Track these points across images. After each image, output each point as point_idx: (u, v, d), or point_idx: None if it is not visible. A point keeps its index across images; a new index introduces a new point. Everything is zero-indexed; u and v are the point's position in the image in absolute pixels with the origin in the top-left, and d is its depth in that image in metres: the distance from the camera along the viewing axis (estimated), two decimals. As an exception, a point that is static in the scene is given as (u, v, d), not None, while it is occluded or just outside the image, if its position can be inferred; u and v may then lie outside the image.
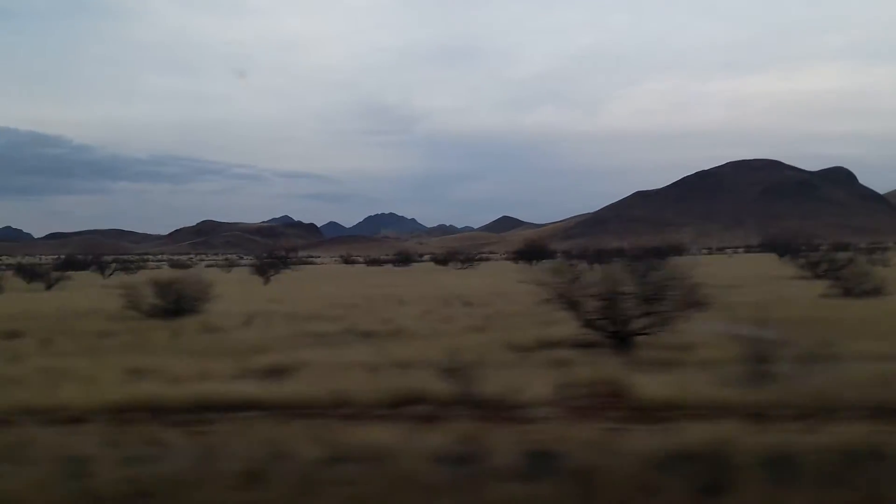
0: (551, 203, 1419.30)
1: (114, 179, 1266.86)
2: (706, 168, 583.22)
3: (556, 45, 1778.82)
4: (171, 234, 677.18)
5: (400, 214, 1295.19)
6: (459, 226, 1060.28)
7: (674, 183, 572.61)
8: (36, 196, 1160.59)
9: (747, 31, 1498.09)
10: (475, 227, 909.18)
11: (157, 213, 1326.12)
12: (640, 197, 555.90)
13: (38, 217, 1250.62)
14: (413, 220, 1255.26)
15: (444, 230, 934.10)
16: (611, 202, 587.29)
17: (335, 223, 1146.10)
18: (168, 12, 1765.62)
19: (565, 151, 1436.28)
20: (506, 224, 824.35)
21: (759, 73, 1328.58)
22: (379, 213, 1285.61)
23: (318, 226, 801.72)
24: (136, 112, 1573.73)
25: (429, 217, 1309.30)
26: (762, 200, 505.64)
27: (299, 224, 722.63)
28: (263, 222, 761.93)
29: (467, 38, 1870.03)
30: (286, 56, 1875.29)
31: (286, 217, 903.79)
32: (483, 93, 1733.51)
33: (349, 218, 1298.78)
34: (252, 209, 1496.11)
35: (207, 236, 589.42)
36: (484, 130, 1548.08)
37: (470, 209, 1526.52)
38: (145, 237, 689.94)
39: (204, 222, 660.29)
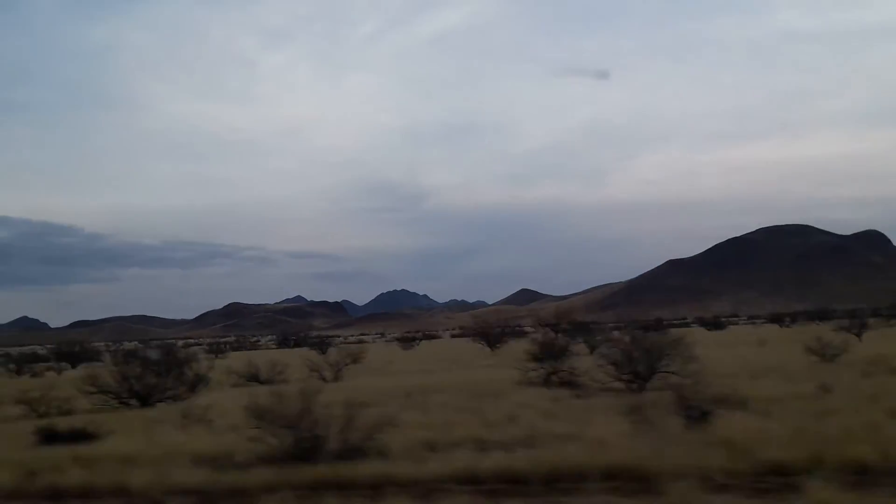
0: (567, 274, 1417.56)
1: (125, 266, 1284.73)
2: (738, 235, 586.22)
3: (555, 120, 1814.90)
4: (198, 317, 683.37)
5: (412, 291, 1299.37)
6: (471, 300, 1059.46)
7: (707, 250, 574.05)
8: (49, 285, 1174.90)
9: (746, 99, 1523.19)
10: (488, 300, 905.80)
11: (169, 297, 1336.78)
12: (674, 265, 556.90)
13: (52, 306, 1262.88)
14: (425, 295, 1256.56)
15: (456, 305, 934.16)
16: (634, 271, 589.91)
17: (349, 302, 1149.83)
18: (173, 100, 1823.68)
19: (573, 223, 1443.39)
20: (525, 297, 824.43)
21: (762, 141, 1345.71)
22: (391, 289, 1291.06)
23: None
24: (145, 199, 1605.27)
25: (440, 292, 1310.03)
26: (798, 266, 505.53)
27: (324, 303, 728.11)
28: (284, 302, 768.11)
29: (469, 116, 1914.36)
30: (292, 139, 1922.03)
31: (300, 297, 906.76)
32: (486, 168, 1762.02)
33: (361, 296, 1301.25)
34: (265, 291, 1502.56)
35: (237, 318, 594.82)
36: (489, 205, 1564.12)
37: (480, 283, 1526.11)
38: (171, 322, 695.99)
39: (230, 305, 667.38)
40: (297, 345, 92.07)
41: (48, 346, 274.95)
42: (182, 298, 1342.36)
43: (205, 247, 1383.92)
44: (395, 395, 21.84)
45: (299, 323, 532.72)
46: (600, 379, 21.60)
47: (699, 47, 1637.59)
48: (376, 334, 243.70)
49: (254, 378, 33.66)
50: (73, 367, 64.52)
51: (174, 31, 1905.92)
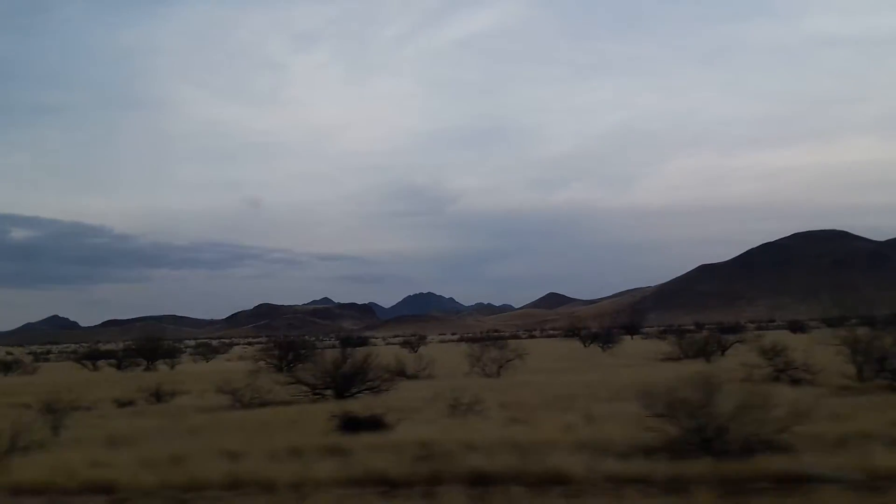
0: (593, 279, 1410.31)
1: (154, 267, 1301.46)
2: (772, 240, 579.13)
3: (584, 124, 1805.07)
4: (228, 317, 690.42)
5: (438, 294, 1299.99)
6: (497, 303, 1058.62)
7: (739, 255, 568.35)
8: (79, 285, 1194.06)
9: (777, 104, 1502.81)
10: (514, 304, 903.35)
11: (198, 298, 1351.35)
12: (706, 270, 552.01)
13: (82, 305, 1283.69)
14: (451, 299, 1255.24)
15: (482, 308, 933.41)
16: (664, 276, 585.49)
17: (376, 304, 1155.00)
18: (202, 103, 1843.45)
19: (600, 227, 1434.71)
20: (553, 301, 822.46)
21: (794, 146, 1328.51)
22: (417, 292, 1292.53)
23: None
24: (174, 200, 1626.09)
25: (466, 296, 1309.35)
26: (834, 272, 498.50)
27: (352, 305, 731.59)
28: (312, 304, 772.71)
29: (496, 120, 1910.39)
30: (319, 142, 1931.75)
31: (327, 299, 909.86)
32: (513, 172, 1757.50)
33: (388, 299, 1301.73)
34: (293, 292, 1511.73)
35: (268, 319, 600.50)
36: (515, 209, 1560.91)
37: (506, 287, 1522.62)
38: (202, 322, 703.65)
39: (261, 305, 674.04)
40: (360, 344, 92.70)
41: (82, 343, 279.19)
42: (210, 299, 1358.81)
43: (233, 248, 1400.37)
44: (598, 390, 22.57)
45: (329, 324, 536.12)
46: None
47: (731, 52, 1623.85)
48: (411, 335, 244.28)
49: (400, 373, 33.18)
50: (151, 363, 65.94)
51: (203, 33, 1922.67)
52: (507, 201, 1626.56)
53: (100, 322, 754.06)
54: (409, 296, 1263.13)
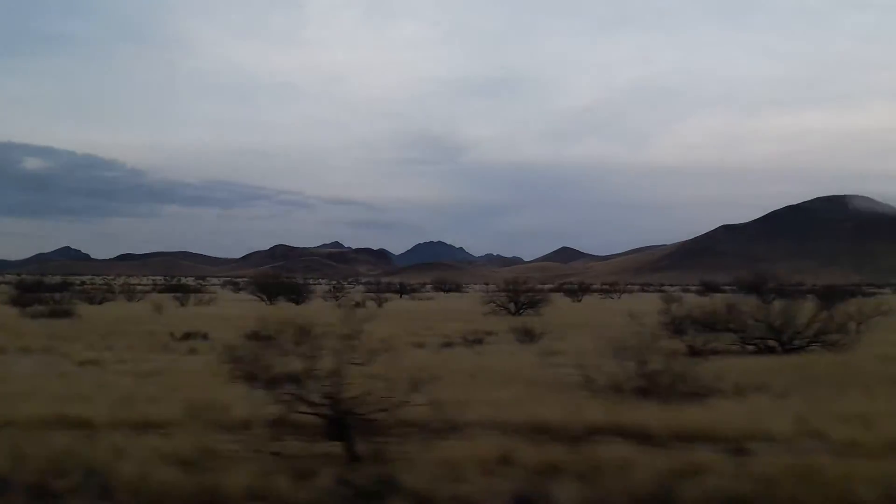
0: (605, 235, 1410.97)
1: (165, 203, 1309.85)
2: (795, 203, 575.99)
3: (602, 78, 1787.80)
4: (244, 257, 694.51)
5: (448, 243, 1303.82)
6: (506, 255, 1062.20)
7: (762, 217, 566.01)
8: (90, 217, 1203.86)
9: (799, 67, 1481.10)
10: (524, 257, 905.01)
11: (208, 236, 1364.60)
12: (727, 231, 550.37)
13: (94, 238, 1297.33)
14: (461, 248, 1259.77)
15: (493, 259, 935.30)
16: (679, 235, 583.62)
17: (385, 250, 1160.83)
18: (219, 40, 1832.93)
19: (613, 184, 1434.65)
20: (566, 255, 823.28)
21: (814, 110, 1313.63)
22: (427, 241, 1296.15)
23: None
24: (186, 138, 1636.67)
25: (476, 247, 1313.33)
26: (855, 237, 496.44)
27: (367, 250, 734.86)
28: (323, 247, 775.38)
29: (513, 70, 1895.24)
30: (333, 85, 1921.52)
31: (337, 243, 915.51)
32: (528, 124, 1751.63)
33: (397, 246, 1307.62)
34: (302, 234, 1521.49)
35: (284, 261, 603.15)
36: (528, 161, 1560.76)
37: (516, 239, 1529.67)
38: (217, 260, 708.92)
39: (276, 246, 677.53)
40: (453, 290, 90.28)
41: (94, 275, 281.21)
42: (220, 238, 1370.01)
43: (244, 188, 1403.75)
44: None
45: (344, 268, 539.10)
46: None
47: (756, 10, 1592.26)
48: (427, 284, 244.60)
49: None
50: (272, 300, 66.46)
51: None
52: (521, 153, 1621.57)
53: (114, 255, 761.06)
54: (420, 244, 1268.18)
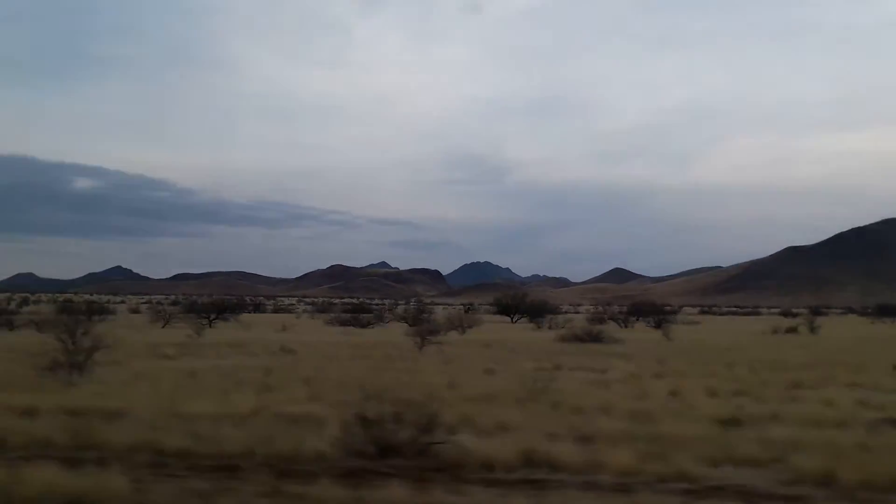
0: (656, 257, 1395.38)
1: (213, 223, 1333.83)
2: (862, 225, 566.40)
3: (646, 99, 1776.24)
4: (300, 277, 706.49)
5: (495, 263, 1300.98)
6: (552, 275, 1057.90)
7: (827, 239, 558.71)
8: (140, 237, 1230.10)
9: (845, 88, 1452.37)
10: (570, 277, 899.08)
11: (258, 256, 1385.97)
12: (792, 252, 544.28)
13: (144, 258, 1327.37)
14: (508, 269, 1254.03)
15: (539, 280, 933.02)
16: (731, 258, 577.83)
17: (439, 271, 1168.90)
18: (268, 63, 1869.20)
19: (660, 205, 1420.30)
20: (619, 276, 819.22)
21: (860, 131, 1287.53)
22: (474, 261, 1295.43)
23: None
24: (234, 158, 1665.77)
25: (522, 267, 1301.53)
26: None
27: (424, 270, 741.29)
28: (369, 267, 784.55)
29: (557, 91, 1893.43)
30: (380, 107, 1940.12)
31: (384, 263, 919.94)
32: (573, 145, 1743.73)
33: (444, 266, 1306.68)
34: (350, 255, 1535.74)
35: (342, 280, 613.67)
36: (573, 182, 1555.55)
37: (562, 260, 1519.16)
38: (274, 280, 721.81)
39: (333, 266, 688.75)
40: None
41: (148, 295, 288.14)
42: (269, 257, 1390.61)
43: (291, 208, 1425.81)
44: None
45: (403, 288, 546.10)
46: None
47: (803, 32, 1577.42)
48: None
49: None
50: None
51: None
52: (566, 174, 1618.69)
53: (164, 275, 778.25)
54: (467, 264, 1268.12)
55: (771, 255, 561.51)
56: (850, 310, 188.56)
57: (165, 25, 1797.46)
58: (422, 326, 41.41)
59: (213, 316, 69.98)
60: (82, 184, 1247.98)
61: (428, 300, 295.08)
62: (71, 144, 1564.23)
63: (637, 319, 71.00)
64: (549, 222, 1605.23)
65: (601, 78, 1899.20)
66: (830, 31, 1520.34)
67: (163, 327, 61.34)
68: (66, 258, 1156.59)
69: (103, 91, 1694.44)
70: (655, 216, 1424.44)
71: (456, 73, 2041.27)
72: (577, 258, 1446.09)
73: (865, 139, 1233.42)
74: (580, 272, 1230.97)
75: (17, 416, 13.23)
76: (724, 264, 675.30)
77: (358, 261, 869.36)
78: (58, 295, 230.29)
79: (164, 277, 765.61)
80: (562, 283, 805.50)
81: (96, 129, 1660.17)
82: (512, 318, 77.67)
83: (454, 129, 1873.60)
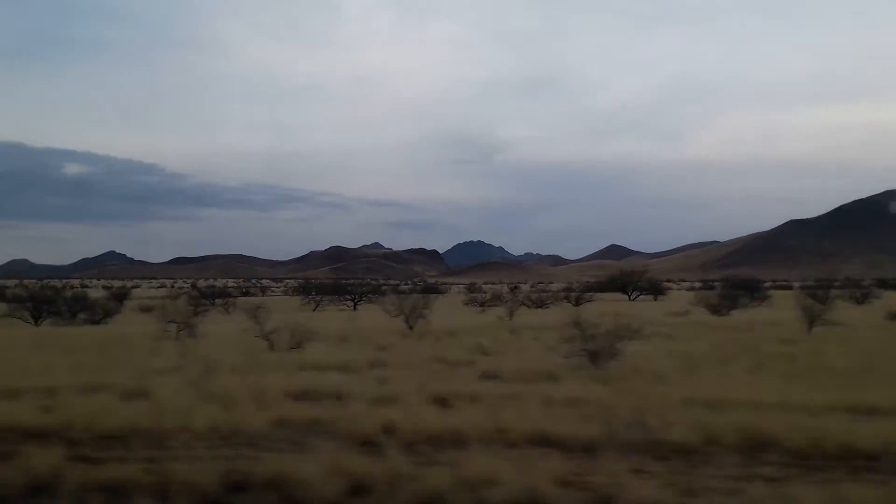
0: (650, 233, 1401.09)
1: (204, 206, 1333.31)
2: (864, 197, 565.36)
3: (638, 76, 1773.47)
4: (299, 259, 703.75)
5: (487, 242, 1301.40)
6: (544, 253, 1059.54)
7: (830, 212, 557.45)
8: (131, 221, 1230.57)
9: (837, 62, 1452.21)
10: (564, 255, 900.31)
11: (251, 238, 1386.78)
12: (795, 226, 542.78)
13: (137, 242, 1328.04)
14: (500, 248, 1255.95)
15: (532, 258, 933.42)
16: (727, 232, 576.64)
17: (437, 251, 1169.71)
18: (255, 43, 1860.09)
19: (653, 181, 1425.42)
20: (616, 253, 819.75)
21: (850, 104, 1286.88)
22: (467, 241, 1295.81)
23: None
24: (223, 141, 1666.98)
25: (515, 246, 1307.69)
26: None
27: (422, 251, 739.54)
28: (364, 248, 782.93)
29: (549, 69, 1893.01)
30: (370, 87, 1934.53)
31: (377, 244, 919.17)
32: (564, 123, 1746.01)
33: (437, 246, 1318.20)
34: (341, 236, 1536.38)
35: (343, 262, 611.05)
36: (565, 160, 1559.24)
37: (554, 238, 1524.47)
38: (272, 262, 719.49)
39: (332, 248, 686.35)
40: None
41: (151, 279, 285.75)
42: (262, 240, 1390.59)
43: (282, 190, 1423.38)
44: None
45: (403, 269, 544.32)
46: None
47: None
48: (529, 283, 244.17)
49: None
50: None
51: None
52: (558, 152, 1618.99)
53: (165, 259, 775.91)
54: (460, 243, 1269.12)
55: (773, 229, 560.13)
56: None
57: (151, 7, 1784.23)
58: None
59: (357, 299, 69.20)
60: (72, 169, 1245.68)
61: (433, 280, 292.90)
62: (59, 129, 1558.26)
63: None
64: (541, 201, 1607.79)
65: (594, 55, 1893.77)
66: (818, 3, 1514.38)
67: (314, 310, 60.32)
68: (59, 243, 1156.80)
69: (90, 75, 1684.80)
70: (648, 193, 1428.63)
71: (448, 53, 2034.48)
72: (569, 236, 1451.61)
73: (858, 112, 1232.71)
74: (573, 250, 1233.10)
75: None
76: (721, 239, 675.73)
77: (351, 242, 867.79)
78: (58, 280, 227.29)
79: (161, 261, 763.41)
80: (556, 260, 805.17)
81: (85, 114, 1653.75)
82: (629, 296, 76.84)
83: (446, 108, 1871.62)
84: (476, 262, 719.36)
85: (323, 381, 14.03)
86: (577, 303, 61.84)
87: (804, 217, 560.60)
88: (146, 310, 49.31)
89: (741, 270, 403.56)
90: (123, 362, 18.34)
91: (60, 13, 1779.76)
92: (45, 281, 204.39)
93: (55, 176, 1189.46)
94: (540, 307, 59.14)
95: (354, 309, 63.68)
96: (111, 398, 12.35)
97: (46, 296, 50.30)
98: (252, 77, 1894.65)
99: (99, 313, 44.76)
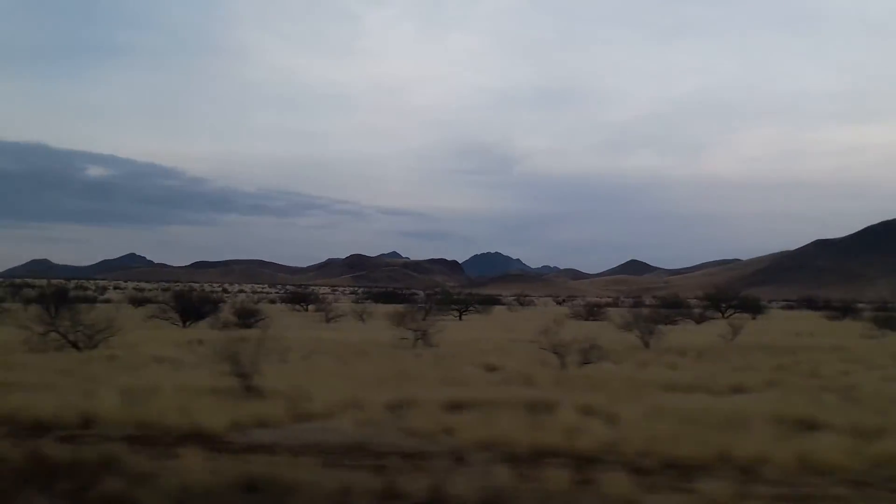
0: (670, 248, 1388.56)
1: (224, 212, 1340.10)
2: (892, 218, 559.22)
3: (656, 89, 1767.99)
4: (320, 266, 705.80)
5: (505, 254, 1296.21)
6: (562, 266, 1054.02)
7: (857, 232, 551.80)
8: (152, 225, 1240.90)
9: (857, 80, 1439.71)
10: (581, 269, 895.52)
11: (271, 244, 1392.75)
12: (821, 246, 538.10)
13: (157, 245, 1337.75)
14: (518, 260, 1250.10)
15: (549, 272, 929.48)
16: (749, 251, 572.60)
17: (457, 262, 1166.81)
18: (277, 51, 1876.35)
19: (672, 196, 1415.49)
20: (635, 268, 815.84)
21: (874, 124, 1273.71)
22: (484, 252, 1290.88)
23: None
24: (243, 147, 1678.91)
25: (532, 258, 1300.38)
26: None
27: (442, 261, 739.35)
28: (380, 257, 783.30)
29: (566, 81, 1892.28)
30: (389, 96, 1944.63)
31: (395, 253, 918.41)
32: (581, 135, 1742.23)
33: (453, 256, 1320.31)
34: (361, 244, 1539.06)
35: (363, 270, 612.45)
36: (583, 173, 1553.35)
37: (571, 251, 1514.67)
38: (293, 269, 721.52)
39: (352, 256, 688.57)
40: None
41: (165, 283, 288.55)
42: (281, 246, 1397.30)
43: (300, 197, 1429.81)
44: None
45: (425, 278, 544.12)
46: None
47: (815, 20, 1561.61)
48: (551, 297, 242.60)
49: None
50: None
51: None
52: (575, 164, 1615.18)
53: (186, 263, 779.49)
54: (477, 255, 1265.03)
55: (799, 248, 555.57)
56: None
57: (176, 14, 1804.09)
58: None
59: (464, 309, 68.79)
60: (94, 172, 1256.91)
61: (455, 292, 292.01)
62: (82, 132, 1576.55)
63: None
64: (558, 213, 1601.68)
65: (612, 68, 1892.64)
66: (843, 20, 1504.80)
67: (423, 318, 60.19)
68: (80, 245, 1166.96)
69: (114, 79, 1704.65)
70: (667, 208, 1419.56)
71: (466, 63, 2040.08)
72: (586, 250, 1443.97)
73: (881, 132, 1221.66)
74: (591, 264, 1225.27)
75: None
76: (743, 257, 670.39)
77: (369, 250, 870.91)
78: (78, 281, 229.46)
79: (182, 265, 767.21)
80: (574, 274, 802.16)
81: (108, 118, 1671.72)
82: (723, 312, 77.30)
83: (463, 118, 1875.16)
84: (492, 274, 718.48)
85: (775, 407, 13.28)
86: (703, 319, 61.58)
87: (830, 237, 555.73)
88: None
89: (767, 289, 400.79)
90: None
91: (84, 17, 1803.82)
92: (74, 281, 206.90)
93: (77, 178, 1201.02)
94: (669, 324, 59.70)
95: (460, 319, 63.11)
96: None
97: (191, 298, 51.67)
98: (273, 84, 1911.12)
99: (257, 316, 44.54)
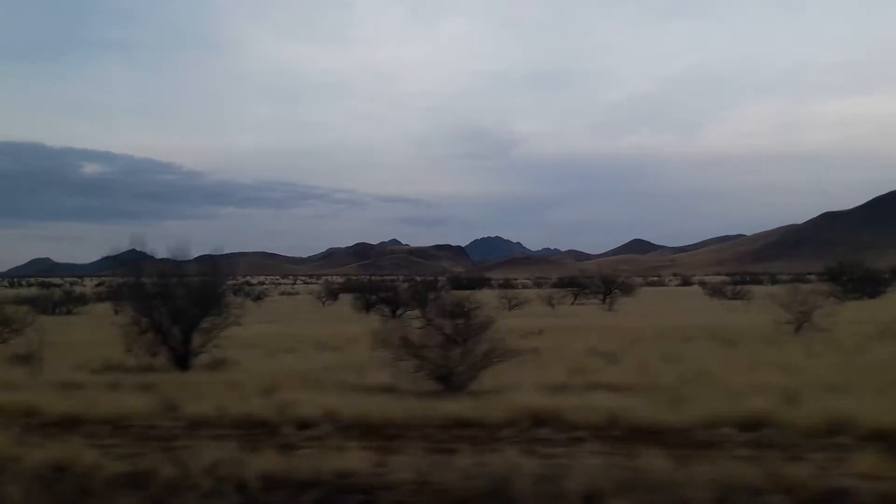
0: (672, 226, 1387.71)
1: (222, 205, 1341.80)
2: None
3: (652, 67, 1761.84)
4: (325, 255, 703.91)
5: (505, 238, 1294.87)
6: (562, 248, 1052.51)
7: (866, 203, 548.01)
8: (150, 220, 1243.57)
9: (852, 53, 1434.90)
10: (583, 249, 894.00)
11: (272, 235, 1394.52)
12: (830, 218, 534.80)
13: (157, 241, 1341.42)
14: (518, 243, 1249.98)
15: (551, 254, 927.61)
16: (750, 226, 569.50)
17: (461, 247, 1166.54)
18: (270, 41, 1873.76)
19: (671, 174, 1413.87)
20: (640, 247, 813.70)
21: (877, 93, 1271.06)
22: (484, 236, 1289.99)
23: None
24: (239, 139, 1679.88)
25: (532, 241, 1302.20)
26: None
27: (447, 247, 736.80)
28: (381, 244, 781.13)
29: (562, 62, 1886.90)
30: (384, 82, 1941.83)
31: (395, 240, 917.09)
32: (578, 116, 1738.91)
33: (454, 241, 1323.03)
34: (361, 232, 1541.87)
35: (370, 258, 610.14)
36: (580, 153, 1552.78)
37: (571, 233, 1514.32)
38: (297, 259, 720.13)
39: (357, 244, 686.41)
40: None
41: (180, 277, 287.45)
42: (281, 237, 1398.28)
43: (297, 187, 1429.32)
44: None
45: (431, 265, 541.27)
46: None
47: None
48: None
49: None
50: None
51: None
52: (573, 145, 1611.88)
53: (191, 258, 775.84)
54: (477, 239, 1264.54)
55: (807, 221, 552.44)
56: None
57: (168, 7, 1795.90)
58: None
59: (608, 293, 63.62)
60: (91, 169, 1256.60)
61: (464, 277, 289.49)
62: (78, 129, 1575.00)
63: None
64: (557, 195, 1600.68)
65: (607, 48, 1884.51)
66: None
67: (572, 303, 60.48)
68: (80, 242, 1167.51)
69: (109, 75, 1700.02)
70: (668, 185, 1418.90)
71: (460, 48, 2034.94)
72: (586, 230, 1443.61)
73: (886, 100, 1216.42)
74: (592, 244, 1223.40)
75: None
76: (747, 232, 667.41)
77: (369, 238, 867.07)
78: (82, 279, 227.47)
79: (188, 260, 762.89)
80: (577, 255, 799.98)
81: (103, 114, 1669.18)
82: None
83: (460, 103, 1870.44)
84: (494, 258, 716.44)
85: None
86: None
87: (839, 209, 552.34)
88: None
89: (778, 264, 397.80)
90: None
91: (78, 13, 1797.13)
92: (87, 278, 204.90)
93: (74, 175, 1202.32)
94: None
95: (603, 302, 58.77)
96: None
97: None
98: (268, 75, 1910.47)
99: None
